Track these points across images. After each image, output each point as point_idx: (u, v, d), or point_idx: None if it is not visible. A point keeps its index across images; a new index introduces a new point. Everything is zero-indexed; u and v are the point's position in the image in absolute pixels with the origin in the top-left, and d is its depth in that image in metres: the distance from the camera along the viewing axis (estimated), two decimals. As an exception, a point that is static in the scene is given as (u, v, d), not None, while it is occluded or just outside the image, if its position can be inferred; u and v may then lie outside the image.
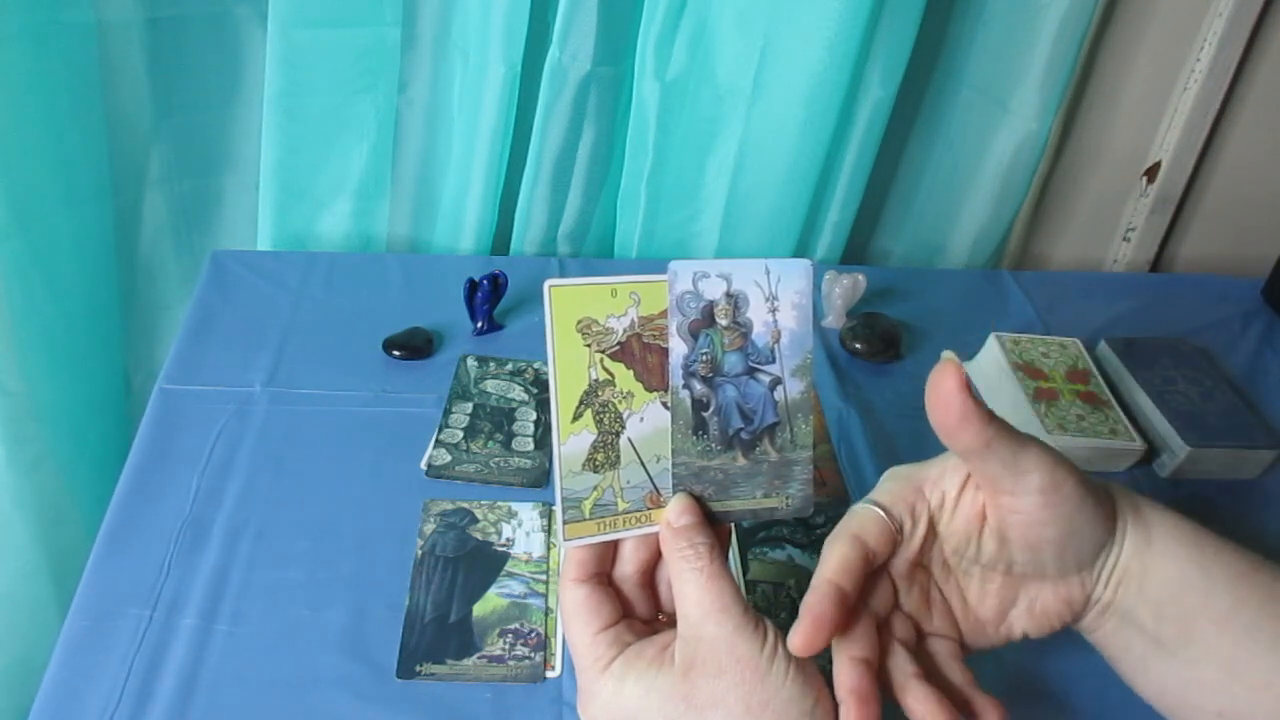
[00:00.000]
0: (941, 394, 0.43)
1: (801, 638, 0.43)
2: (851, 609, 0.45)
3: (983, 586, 0.50)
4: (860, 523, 0.47)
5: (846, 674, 0.44)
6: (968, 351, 0.98)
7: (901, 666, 0.47)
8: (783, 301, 0.47)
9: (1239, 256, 1.25)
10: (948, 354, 0.44)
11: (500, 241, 1.14)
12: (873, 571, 0.48)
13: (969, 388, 0.43)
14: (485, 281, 0.94)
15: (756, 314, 0.47)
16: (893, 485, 0.49)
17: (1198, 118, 1.13)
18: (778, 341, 0.47)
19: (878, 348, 0.97)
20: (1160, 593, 0.48)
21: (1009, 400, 0.90)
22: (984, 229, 1.15)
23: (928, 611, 0.50)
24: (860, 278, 1.01)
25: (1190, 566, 0.47)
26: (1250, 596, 0.47)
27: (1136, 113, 1.16)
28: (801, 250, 1.15)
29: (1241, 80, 1.12)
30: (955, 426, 0.44)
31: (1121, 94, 1.14)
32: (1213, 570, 0.47)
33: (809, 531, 0.79)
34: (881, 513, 0.47)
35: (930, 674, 0.47)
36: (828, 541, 0.47)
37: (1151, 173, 1.19)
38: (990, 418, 0.44)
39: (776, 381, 0.48)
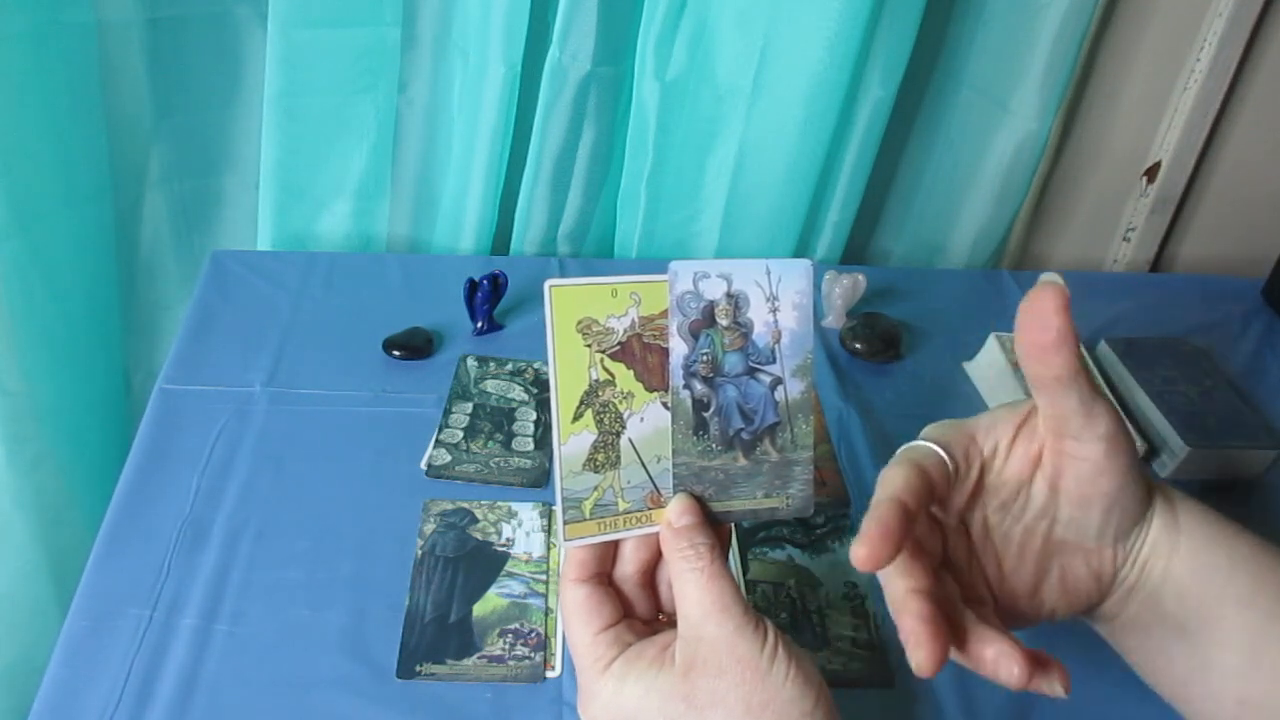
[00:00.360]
0: (1040, 313, 0.42)
1: (867, 549, 0.40)
2: (913, 529, 0.42)
3: (1021, 551, 0.49)
4: (920, 454, 0.46)
5: (913, 604, 0.42)
6: (968, 352, 0.99)
7: (960, 612, 0.44)
8: (783, 302, 0.47)
9: (1239, 256, 1.25)
10: (1050, 275, 0.43)
11: (500, 241, 1.14)
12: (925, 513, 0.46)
13: (1069, 312, 0.41)
14: (485, 281, 0.94)
15: (757, 314, 0.47)
16: (944, 430, 0.48)
17: (1198, 118, 1.13)
18: (778, 342, 0.47)
19: (878, 348, 0.97)
20: (1185, 574, 0.48)
21: (1009, 400, 0.90)
22: (984, 229, 1.15)
23: (968, 569, 0.50)
24: (860, 278, 1.01)
25: (1214, 549, 0.47)
26: (1271, 580, 0.47)
27: (1136, 113, 1.16)
28: (801, 250, 1.15)
29: (1241, 80, 1.12)
30: (1051, 347, 0.42)
31: (1121, 94, 1.14)
32: (1235, 554, 0.47)
33: (809, 532, 0.79)
34: (939, 449, 0.46)
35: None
36: (885, 470, 0.45)
37: (1151, 173, 1.19)
38: (1080, 349, 0.43)
39: (777, 382, 0.48)
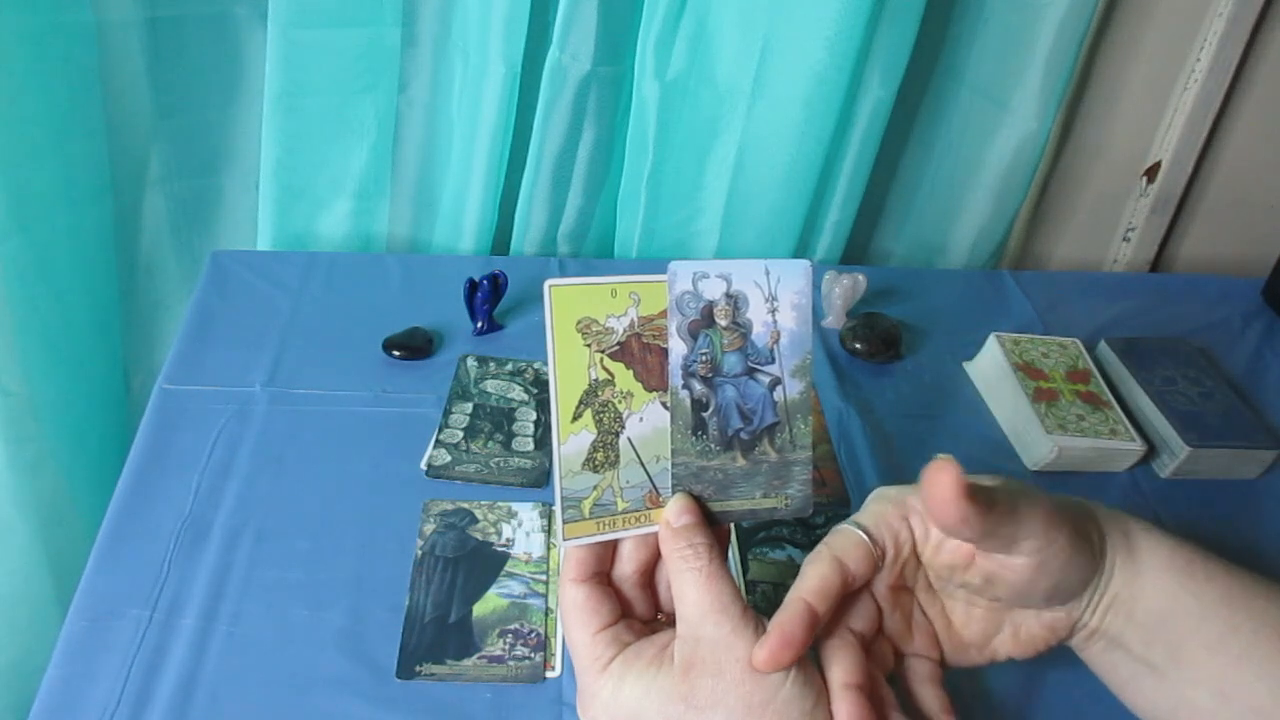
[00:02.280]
0: (939, 498, 0.43)
1: (768, 652, 0.43)
2: (816, 629, 0.45)
3: (968, 611, 0.51)
4: (842, 544, 0.47)
5: (846, 704, 0.44)
6: (968, 352, 0.99)
7: (882, 697, 0.47)
8: (782, 302, 0.47)
9: (1239, 256, 1.25)
10: (943, 456, 0.43)
11: (500, 241, 1.14)
12: (855, 591, 0.48)
13: (965, 487, 0.43)
14: (485, 281, 0.94)
15: (756, 314, 0.47)
16: (878, 508, 0.49)
17: (1198, 118, 1.13)
18: (777, 342, 0.48)
19: (878, 348, 0.97)
20: (1150, 619, 0.48)
21: (1009, 400, 0.90)
22: (984, 229, 1.15)
23: (909, 633, 0.50)
24: (860, 278, 1.01)
25: (1182, 594, 0.48)
26: (1244, 623, 0.47)
27: (1136, 113, 1.16)
28: (801, 250, 1.15)
29: (1241, 80, 1.12)
30: (954, 528, 0.44)
31: (1121, 94, 1.14)
32: (1205, 596, 0.47)
33: (809, 532, 0.79)
34: (864, 535, 0.47)
35: (908, 698, 0.48)
36: (807, 561, 0.47)
37: (1151, 173, 1.19)
38: (988, 506, 0.43)
39: (776, 382, 0.48)
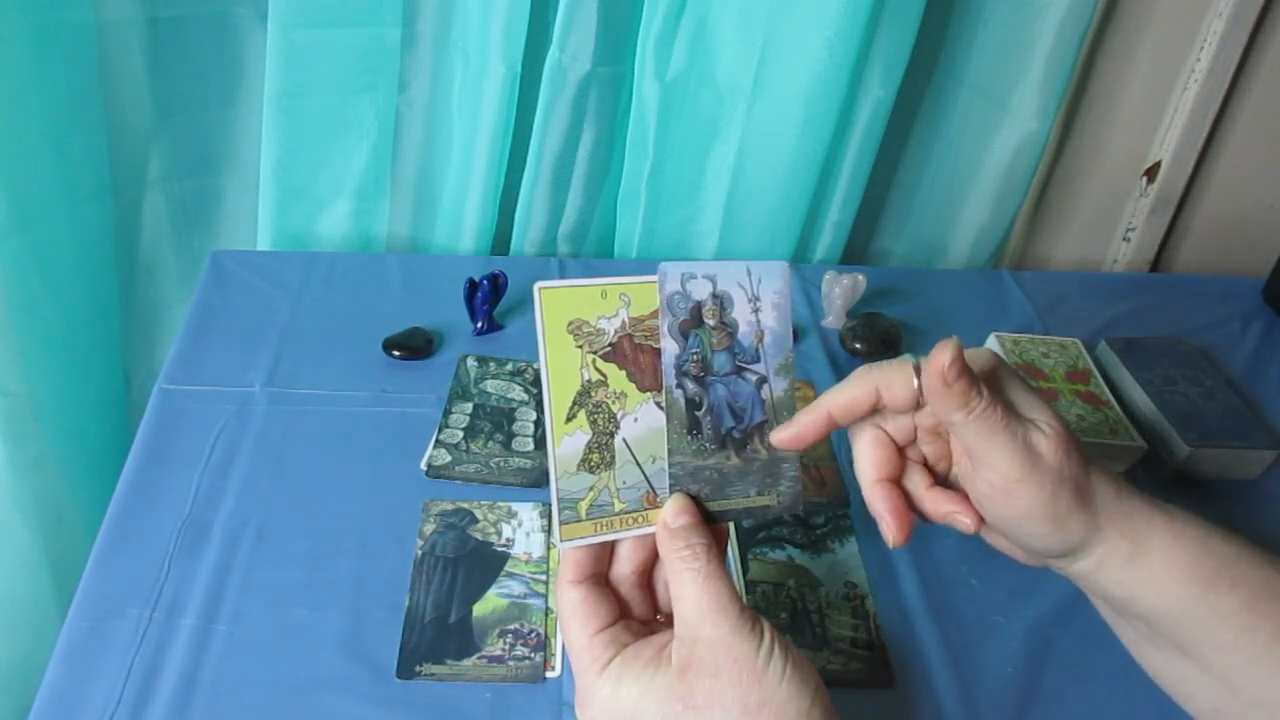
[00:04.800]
0: (937, 364, 0.45)
1: (780, 440, 0.48)
2: (829, 433, 0.49)
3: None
4: (888, 373, 0.47)
5: (879, 492, 0.48)
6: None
7: (917, 481, 0.50)
8: (764, 302, 0.48)
9: (1239, 256, 1.25)
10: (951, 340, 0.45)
11: (500, 241, 1.14)
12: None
13: (961, 363, 0.45)
14: (485, 281, 0.94)
15: (741, 314, 0.48)
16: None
17: (1198, 118, 1.13)
18: (761, 341, 0.48)
19: (878, 348, 0.97)
20: (1154, 617, 0.48)
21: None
22: (984, 229, 1.15)
23: (945, 461, 0.51)
24: (860, 278, 1.01)
25: (1198, 605, 0.47)
26: (1262, 625, 0.46)
27: (1136, 113, 1.16)
28: (801, 250, 1.15)
29: (1241, 80, 1.12)
30: (938, 388, 0.45)
31: (1121, 94, 1.14)
32: (1224, 605, 0.46)
33: (809, 532, 0.79)
34: (913, 373, 0.47)
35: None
36: (854, 373, 0.48)
37: (1151, 173, 1.19)
38: (979, 395, 0.45)
39: (762, 380, 0.48)
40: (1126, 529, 0.47)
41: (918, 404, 0.47)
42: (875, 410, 0.48)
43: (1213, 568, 0.47)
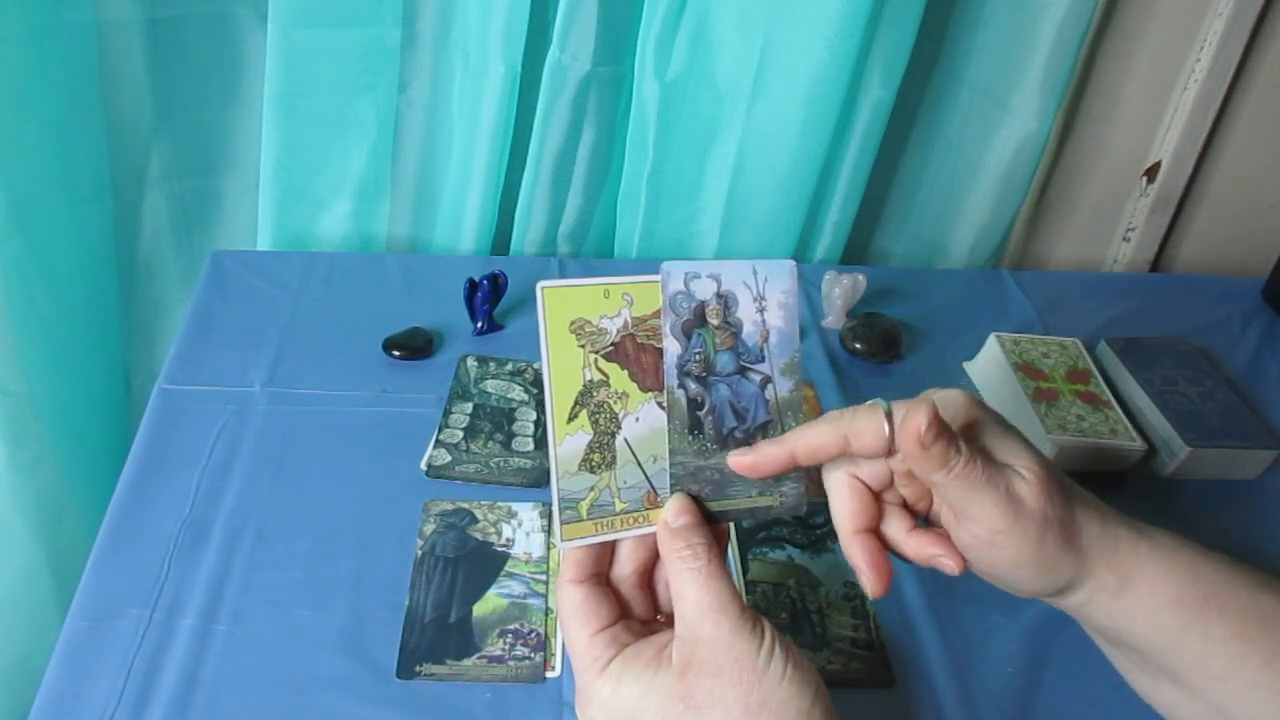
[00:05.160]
0: (912, 429, 0.44)
1: (739, 464, 0.47)
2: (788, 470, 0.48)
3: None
4: (858, 422, 0.46)
5: (857, 544, 0.48)
6: (967, 352, 0.99)
7: (896, 526, 0.49)
8: (770, 301, 0.48)
9: (1239, 256, 1.25)
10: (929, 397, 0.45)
11: (500, 241, 1.14)
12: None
13: (938, 425, 0.43)
14: (485, 281, 0.94)
15: (746, 314, 0.48)
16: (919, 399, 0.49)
17: (1198, 118, 1.13)
18: (766, 341, 0.48)
19: (878, 348, 0.97)
20: (1144, 646, 0.48)
21: (1009, 400, 0.90)
22: (984, 229, 1.15)
23: (924, 501, 0.50)
24: (860, 278, 1.01)
25: (1186, 633, 0.47)
26: (1254, 654, 0.46)
27: (1136, 113, 1.16)
28: (801, 250, 1.15)
29: (1241, 80, 1.12)
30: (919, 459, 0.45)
31: (1121, 94, 1.14)
32: (1214, 634, 0.46)
33: (809, 532, 0.79)
34: (885, 421, 0.46)
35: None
36: (824, 417, 0.47)
37: (1151, 173, 1.19)
38: (958, 453, 0.44)
39: (767, 380, 0.48)
40: (1114, 562, 0.47)
41: (889, 451, 0.46)
42: (844, 455, 0.47)
43: (1201, 595, 0.47)
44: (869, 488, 0.49)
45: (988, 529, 0.45)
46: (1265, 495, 0.88)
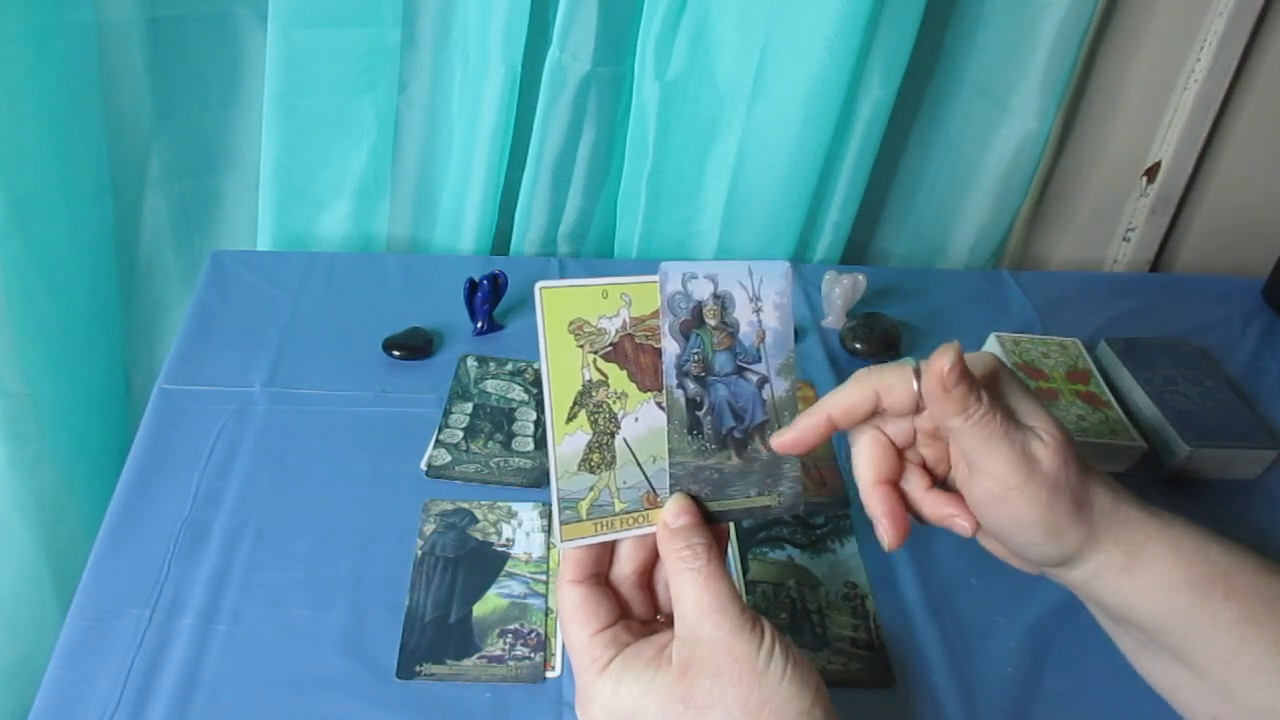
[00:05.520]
0: (936, 369, 0.45)
1: (781, 444, 0.48)
2: (829, 436, 0.48)
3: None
4: (888, 377, 0.47)
5: (876, 495, 0.48)
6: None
7: (915, 484, 0.50)
8: (765, 302, 0.48)
9: (1239, 256, 1.25)
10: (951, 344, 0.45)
11: (500, 241, 1.14)
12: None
13: (960, 367, 0.45)
14: (485, 281, 0.94)
15: (742, 314, 0.48)
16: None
17: (1198, 118, 1.13)
18: (763, 341, 0.48)
19: (878, 348, 0.97)
20: (1151, 625, 0.48)
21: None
22: (984, 229, 1.15)
23: (944, 464, 0.51)
24: (860, 278, 1.01)
25: (1194, 614, 0.47)
26: (1259, 638, 0.46)
27: (1136, 113, 1.16)
28: (802, 250, 1.15)
29: (1241, 80, 1.12)
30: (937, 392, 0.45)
31: (1121, 94, 1.14)
32: (1222, 616, 0.46)
33: (809, 532, 0.79)
34: (913, 377, 0.47)
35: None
36: (854, 377, 0.48)
37: (1151, 173, 1.19)
38: (979, 401, 0.45)
39: (763, 380, 0.48)
40: (1123, 538, 0.47)
41: (917, 407, 0.47)
42: (875, 413, 0.48)
43: (1209, 576, 0.47)
44: (892, 443, 0.50)
45: (1000, 483, 0.46)
46: (1265, 495, 0.88)
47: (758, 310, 0.48)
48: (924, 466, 0.51)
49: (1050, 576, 0.50)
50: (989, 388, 0.47)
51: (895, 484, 0.49)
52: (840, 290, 1.01)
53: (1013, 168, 1.10)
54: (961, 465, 0.49)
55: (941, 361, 0.44)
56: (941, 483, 0.51)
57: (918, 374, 0.46)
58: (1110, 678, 0.70)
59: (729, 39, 1.00)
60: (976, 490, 0.47)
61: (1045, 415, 0.47)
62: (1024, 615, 0.74)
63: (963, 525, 0.48)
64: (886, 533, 0.48)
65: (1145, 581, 0.47)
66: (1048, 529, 0.46)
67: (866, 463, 0.49)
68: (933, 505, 0.49)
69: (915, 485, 0.50)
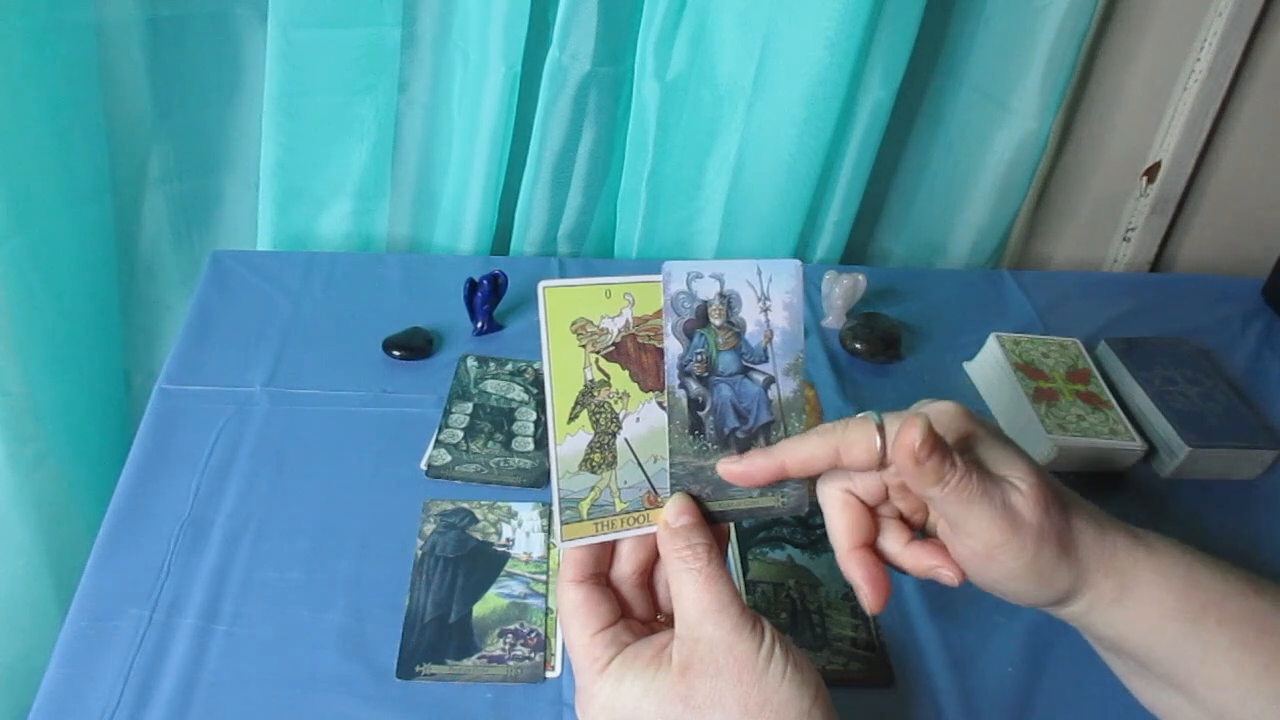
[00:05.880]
0: (906, 444, 0.43)
1: (730, 473, 0.47)
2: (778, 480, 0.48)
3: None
4: (850, 435, 0.46)
5: (854, 560, 0.47)
6: (968, 352, 0.99)
7: (893, 539, 0.49)
8: (774, 301, 0.47)
9: (1239, 256, 1.25)
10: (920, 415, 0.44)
11: (500, 241, 1.14)
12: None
13: (932, 439, 0.43)
14: (485, 281, 0.94)
15: (749, 314, 0.47)
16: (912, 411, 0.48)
17: (1198, 118, 1.13)
18: (770, 341, 0.48)
19: (878, 348, 0.97)
20: (1143, 653, 0.47)
21: (1009, 400, 0.90)
22: (984, 229, 1.15)
23: (920, 513, 0.50)
24: (860, 278, 1.01)
25: (1186, 641, 0.47)
26: (1253, 660, 0.46)
27: (1136, 113, 1.16)
28: (801, 250, 1.15)
29: (1241, 80, 1.12)
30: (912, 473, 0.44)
31: (1121, 94, 1.14)
32: (1215, 643, 0.46)
33: (809, 532, 0.79)
34: (876, 435, 0.45)
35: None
36: (815, 430, 0.47)
37: (1151, 173, 1.19)
38: (954, 467, 0.44)
39: (770, 380, 0.48)
40: (1112, 570, 0.47)
41: (882, 464, 0.46)
42: (835, 467, 0.47)
43: (1200, 603, 0.47)
44: (863, 503, 0.49)
45: (984, 543, 0.45)
46: (1265, 495, 0.88)
47: (766, 310, 0.47)
48: (900, 518, 0.50)
49: (1046, 611, 0.49)
50: (959, 444, 0.46)
51: (871, 546, 0.48)
52: (840, 290, 1.01)
53: (1013, 168, 1.10)
54: (942, 524, 0.48)
55: (911, 435, 0.43)
56: (921, 530, 0.50)
57: (881, 429, 0.45)
58: (1109, 678, 0.70)
59: (729, 39, 1.00)
60: (961, 549, 0.47)
61: (1018, 459, 0.47)
62: (1024, 615, 0.74)
63: (948, 576, 0.47)
64: (868, 598, 0.47)
65: (1137, 612, 0.47)
66: (1036, 577, 0.46)
67: (840, 529, 0.48)
68: (914, 559, 0.48)
69: (893, 540, 0.49)
